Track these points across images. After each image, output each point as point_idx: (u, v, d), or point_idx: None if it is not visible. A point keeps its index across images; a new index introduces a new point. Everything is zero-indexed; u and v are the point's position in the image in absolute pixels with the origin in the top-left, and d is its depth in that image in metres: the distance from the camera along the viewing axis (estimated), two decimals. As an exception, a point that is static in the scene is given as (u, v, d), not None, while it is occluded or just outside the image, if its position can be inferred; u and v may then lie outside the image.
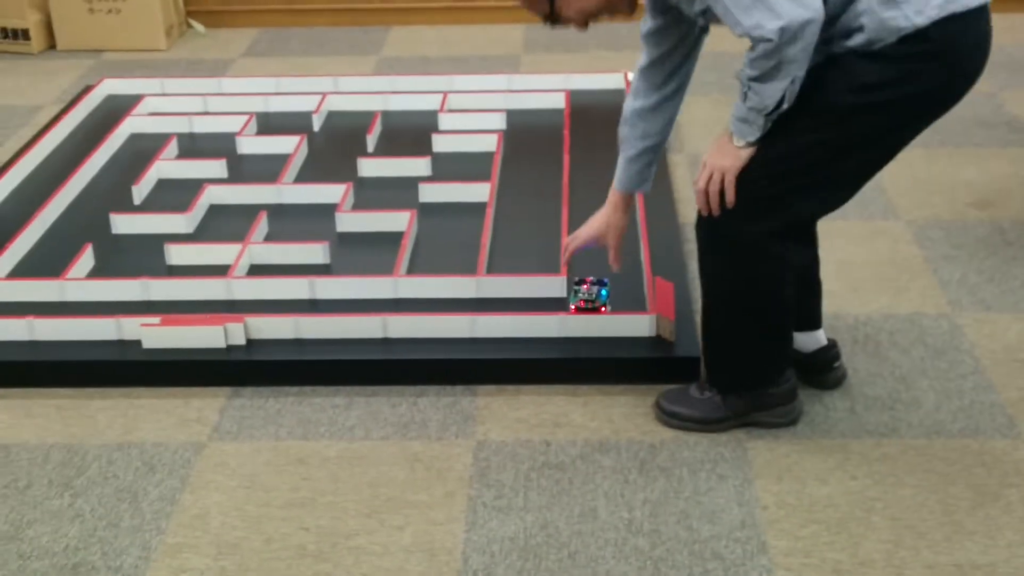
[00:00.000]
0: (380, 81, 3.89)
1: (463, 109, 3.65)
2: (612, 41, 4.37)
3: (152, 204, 3.10)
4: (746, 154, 1.96)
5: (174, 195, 3.10)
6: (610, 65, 4.04)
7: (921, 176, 3.25)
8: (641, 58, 2.17)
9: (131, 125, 3.57)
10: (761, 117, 1.89)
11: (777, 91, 1.84)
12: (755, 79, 1.84)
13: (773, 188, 1.97)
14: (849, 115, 1.91)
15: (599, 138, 3.42)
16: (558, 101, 3.71)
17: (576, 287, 2.47)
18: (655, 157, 2.26)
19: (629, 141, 2.24)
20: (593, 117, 3.60)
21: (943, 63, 1.86)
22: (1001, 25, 4.21)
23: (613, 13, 2.02)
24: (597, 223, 2.35)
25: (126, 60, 4.35)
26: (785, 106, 1.87)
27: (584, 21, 2.02)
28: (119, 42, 4.42)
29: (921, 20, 1.82)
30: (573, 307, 2.46)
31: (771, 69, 1.82)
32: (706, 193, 2.01)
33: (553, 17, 2.00)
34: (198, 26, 4.61)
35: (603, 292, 2.46)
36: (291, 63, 4.29)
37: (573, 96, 3.73)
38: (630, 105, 2.22)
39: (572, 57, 4.25)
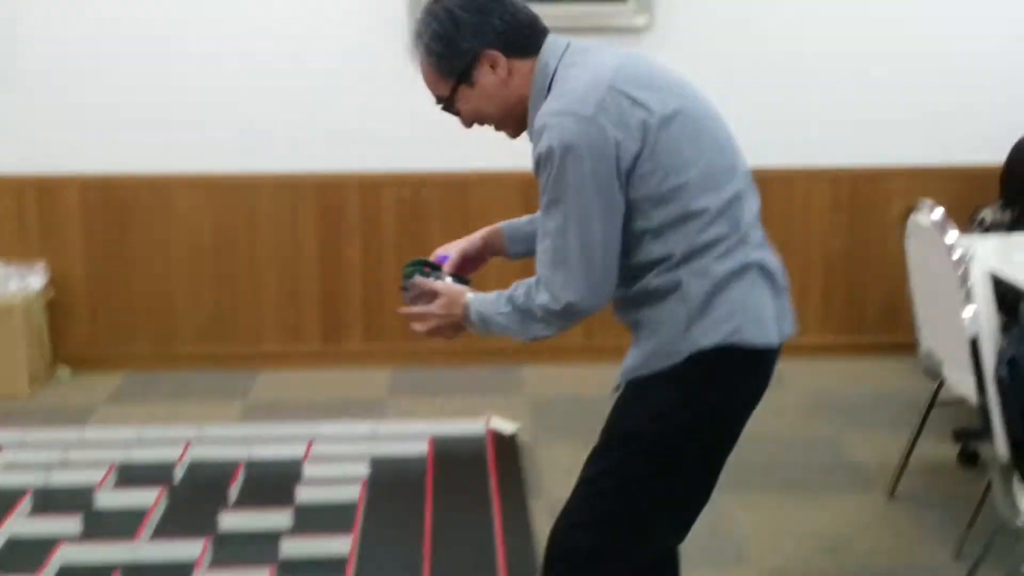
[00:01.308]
0: (245, 429, 3.93)
1: (327, 457, 3.70)
2: (476, 386, 4.52)
3: (1, 566, 3.01)
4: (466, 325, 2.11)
5: (25, 555, 3.02)
6: (473, 411, 4.17)
7: (768, 521, 3.37)
8: None
9: (-14, 478, 3.51)
10: (487, 331, 2.07)
11: (517, 334, 2.02)
12: (515, 312, 2.00)
13: (606, 534, 2.03)
14: (655, 443, 2.01)
15: (461, 485, 3.50)
16: (422, 448, 3.78)
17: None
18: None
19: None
20: (456, 463, 3.68)
21: (718, 387, 2.00)
22: (837, 369, 4.53)
23: (499, 128, 2.12)
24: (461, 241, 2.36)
25: (-13, 407, 4.32)
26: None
27: (471, 121, 2.10)
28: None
29: (706, 342, 1.96)
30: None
31: (533, 322, 1.99)
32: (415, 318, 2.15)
33: (448, 104, 2.08)
34: (63, 371, 4.63)
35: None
36: (157, 408, 4.30)
37: (436, 442, 3.82)
38: None
39: (436, 401, 4.36)
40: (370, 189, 4.65)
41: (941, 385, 3.30)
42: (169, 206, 4.62)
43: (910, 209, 3.11)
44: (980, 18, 4.60)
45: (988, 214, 4.05)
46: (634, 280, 2.00)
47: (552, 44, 2.05)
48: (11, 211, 4.58)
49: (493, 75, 2.03)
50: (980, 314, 2.64)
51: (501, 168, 4.48)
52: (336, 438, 3.84)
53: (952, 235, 2.76)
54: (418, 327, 2.17)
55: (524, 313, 2.00)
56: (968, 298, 2.66)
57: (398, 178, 4.62)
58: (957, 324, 2.71)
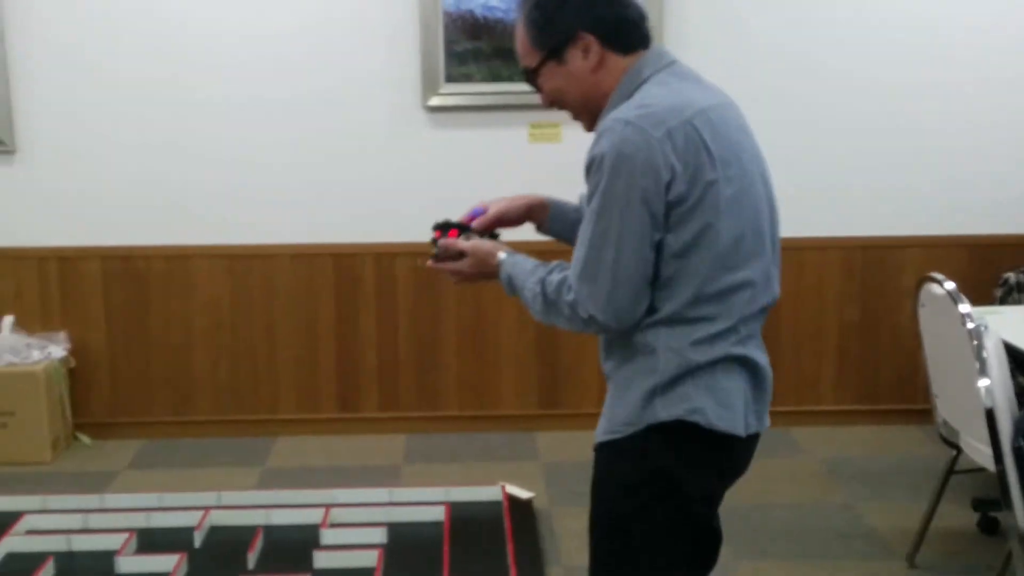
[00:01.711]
0: (263, 495, 3.96)
1: (345, 523, 3.71)
2: (490, 452, 4.54)
3: (22, 632, 3.03)
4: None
5: (47, 622, 3.04)
6: (489, 476, 4.19)
7: (788, 589, 3.38)
8: None
9: (8, 545, 3.53)
10: (513, 293, 2.08)
11: (537, 314, 2.01)
12: (543, 297, 1.98)
13: None
14: (628, 519, 1.99)
15: (478, 551, 3.51)
16: (438, 514, 3.80)
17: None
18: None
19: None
20: (472, 529, 3.70)
21: (679, 461, 1.95)
22: (853, 436, 4.54)
23: (576, 117, 2.08)
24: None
25: (8, 474, 4.35)
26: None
27: (550, 102, 2.07)
28: (2, 456, 4.42)
29: (665, 416, 1.93)
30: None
31: (557, 315, 1.97)
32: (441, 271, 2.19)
33: (532, 77, 2.06)
34: (84, 437, 4.67)
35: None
36: (176, 475, 4.33)
37: (453, 508, 3.83)
38: None
39: (451, 468, 4.39)
40: (385, 260, 4.72)
41: (959, 453, 3.32)
42: (188, 277, 4.69)
43: (922, 279, 3.16)
44: (993, 92, 4.67)
45: (1013, 277, 4.10)
46: None
47: (655, 53, 2.02)
48: (34, 283, 4.66)
49: (583, 60, 1.99)
50: (995, 386, 2.67)
51: (513, 238, 4.56)
52: (353, 504, 3.86)
53: (965, 306, 2.80)
54: (449, 278, 2.21)
55: (551, 303, 1.98)
56: (983, 370, 2.69)
57: (413, 249, 4.69)
58: (972, 395, 2.74)
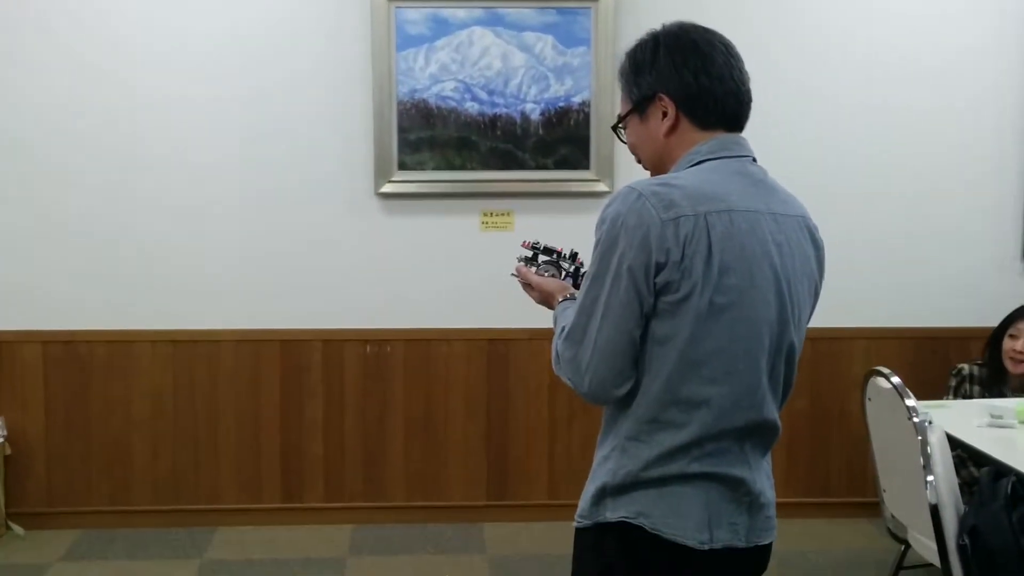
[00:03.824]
0: (201, 590, 3.85)
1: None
2: (437, 544, 4.45)
3: None
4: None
5: None
6: (436, 570, 4.10)
7: None
8: None
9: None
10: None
11: (553, 358, 1.97)
12: (557, 343, 1.95)
13: None
14: None
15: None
16: (382, 610, 3.71)
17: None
18: None
19: None
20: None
21: (630, 566, 1.90)
22: (803, 531, 4.51)
23: (650, 175, 2.03)
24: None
25: (-65, 564, 4.21)
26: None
27: (633, 153, 2.07)
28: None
29: (612, 516, 1.90)
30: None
31: (557, 365, 1.94)
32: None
33: (618, 126, 2.07)
34: (17, 528, 4.52)
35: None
36: (112, 567, 4.20)
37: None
38: None
39: (398, 560, 4.29)
40: (333, 347, 4.66)
41: (907, 547, 3.29)
42: (130, 363, 4.60)
43: (869, 372, 3.16)
44: (939, 189, 4.75)
45: (967, 368, 4.11)
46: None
47: (728, 141, 1.97)
48: (-29, 367, 4.56)
49: (661, 122, 1.97)
50: (940, 482, 2.66)
51: (464, 327, 4.55)
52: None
53: (910, 400, 2.79)
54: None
55: (556, 356, 1.95)
56: (927, 465, 2.67)
57: (362, 335, 4.64)
58: (918, 490, 2.73)
